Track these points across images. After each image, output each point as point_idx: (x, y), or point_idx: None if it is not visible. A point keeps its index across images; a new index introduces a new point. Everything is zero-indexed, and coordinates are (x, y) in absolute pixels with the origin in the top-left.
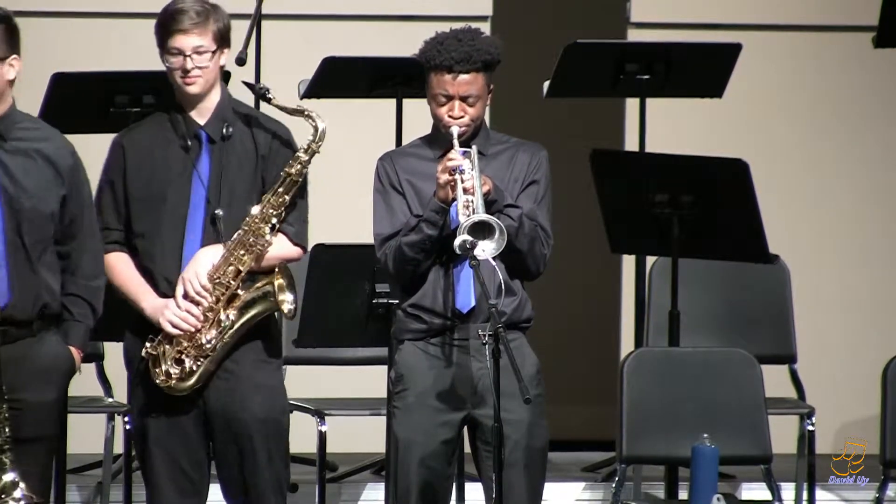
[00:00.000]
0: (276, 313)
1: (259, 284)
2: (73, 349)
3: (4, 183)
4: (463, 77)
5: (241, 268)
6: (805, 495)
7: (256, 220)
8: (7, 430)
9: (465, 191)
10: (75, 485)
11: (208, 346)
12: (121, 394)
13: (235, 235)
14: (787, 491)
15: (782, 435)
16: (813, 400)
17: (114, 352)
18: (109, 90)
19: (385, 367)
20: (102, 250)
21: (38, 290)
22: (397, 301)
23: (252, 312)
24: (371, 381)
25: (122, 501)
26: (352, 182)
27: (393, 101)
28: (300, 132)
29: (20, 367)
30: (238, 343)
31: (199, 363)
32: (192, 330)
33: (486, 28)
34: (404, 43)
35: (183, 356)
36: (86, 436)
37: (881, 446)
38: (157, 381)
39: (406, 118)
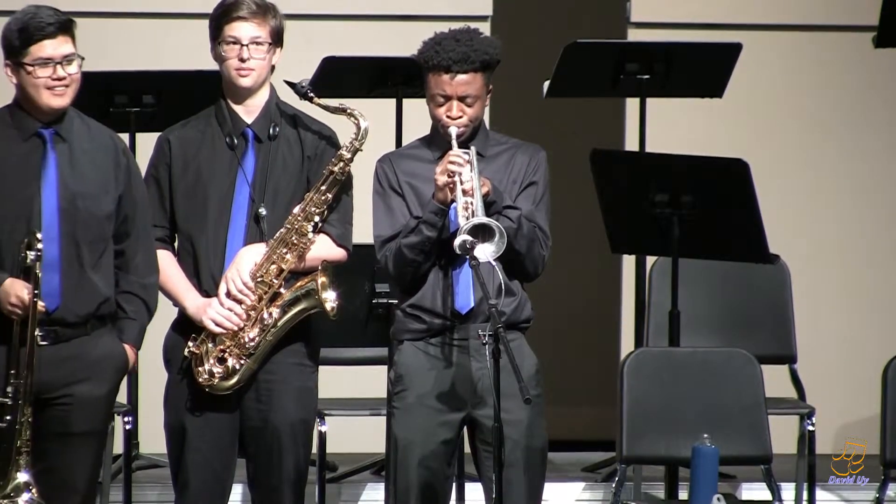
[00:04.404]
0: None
1: (302, 283)
2: (127, 347)
3: (62, 186)
4: (461, 77)
5: (284, 266)
6: (805, 495)
7: (299, 219)
8: (27, 432)
9: (465, 192)
10: None
11: (251, 344)
12: (121, 394)
13: (278, 234)
14: (787, 491)
15: (782, 435)
16: (813, 400)
17: None
18: (109, 90)
19: (385, 367)
20: (155, 248)
21: (93, 292)
22: (397, 301)
23: (295, 311)
24: (371, 381)
25: (121, 501)
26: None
27: (393, 101)
28: (341, 131)
29: (73, 363)
30: (279, 346)
31: (241, 362)
32: (236, 328)
33: (486, 28)
34: (404, 43)
35: (226, 355)
36: None
37: (881, 446)
38: (200, 380)
39: (406, 118)
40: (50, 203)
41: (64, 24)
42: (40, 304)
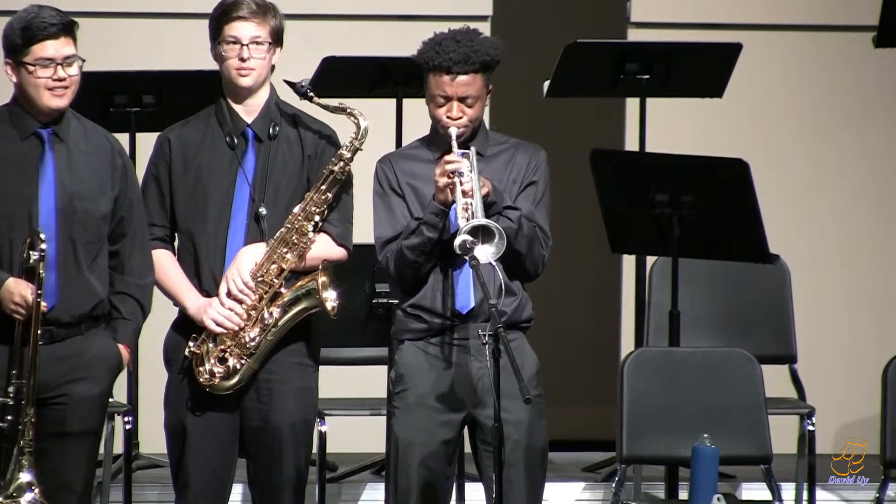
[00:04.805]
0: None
1: (302, 282)
2: (121, 347)
3: (59, 186)
4: (461, 78)
5: (284, 266)
6: (805, 495)
7: (299, 218)
8: (31, 432)
9: (464, 193)
10: None
11: (252, 344)
12: (120, 394)
13: (278, 233)
14: (787, 491)
15: (782, 435)
16: (813, 400)
17: None
18: (109, 90)
19: (385, 367)
20: (150, 249)
21: (88, 293)
22: (397, 301)
23: (295, 310)
24: (371, 381)
25: (121, 501)
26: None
27: (393, 101)
28: (341, 130)
29: (67, 362)
30: (279, 346)
31: (242, 362)
32: (236, 328)
33: (486, 28)
34: (404, 43)
35: (226, 355)
36: None
37: (881, 446)
38: (201, 380)
39: (406, 118)
40: (47, 203)
41: (66, 26)
42: (42, 305)
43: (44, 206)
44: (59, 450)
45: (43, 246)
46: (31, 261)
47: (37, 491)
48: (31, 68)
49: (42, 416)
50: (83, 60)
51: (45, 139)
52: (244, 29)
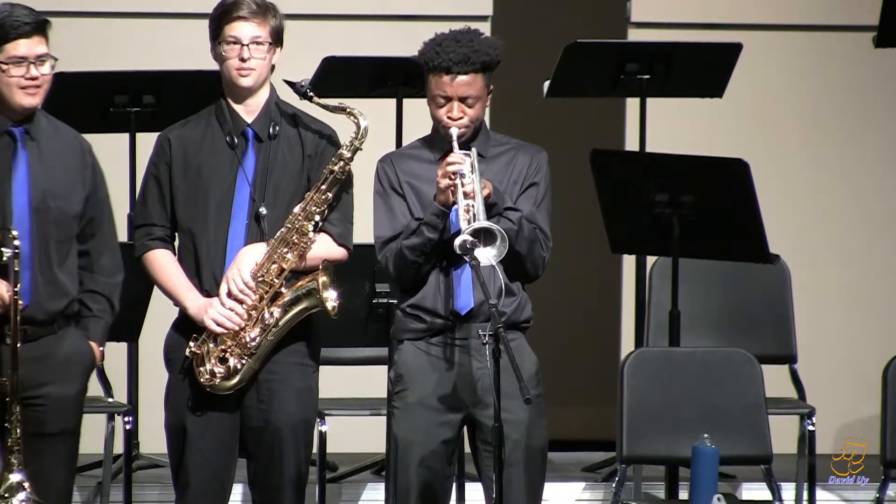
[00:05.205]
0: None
1: (303, 282)
2: (93, 344)
3: (33, 184)
4: (461, 78)
5: (285, 266)
6: (805, 495)
7: (300, 218)
8: (18, 430)
9: (466, 195)
10: (75, 485)
11: (252, 344)
12: (120, 394)
13: (279, 233)
14: (787, 491)
15: (782, 435)
16: (813, 400)
17: (113, 352)
18: (109, 90)
19: (385, 367)
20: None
21: (61, 291)
22: (397, 301)
23: (296, 310)
24: (371, 381)
25: (122, 501)
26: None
27: (393, 101)
28: (341, 130)
29: (43, 363)
30: (280, 345)
31: (243, 362)
32: (237, 328)
33: (486, 28)
34: (404, 43)
35: (227, 355)
36: (86, 436)
37: (881, 446)
38: (202, 381)
39: (406, 118)
40: (21, 201)
41: (39, 25)
42: (19, 301)
43: (17, 204)
44: (38, 450)
45: (16, 243)
46: (4, 258)
47: (29, 490)
48: (3, 67)
49: (21, 416)
50: (56, 60)
51: (18, 137)
52: (244, 29)
